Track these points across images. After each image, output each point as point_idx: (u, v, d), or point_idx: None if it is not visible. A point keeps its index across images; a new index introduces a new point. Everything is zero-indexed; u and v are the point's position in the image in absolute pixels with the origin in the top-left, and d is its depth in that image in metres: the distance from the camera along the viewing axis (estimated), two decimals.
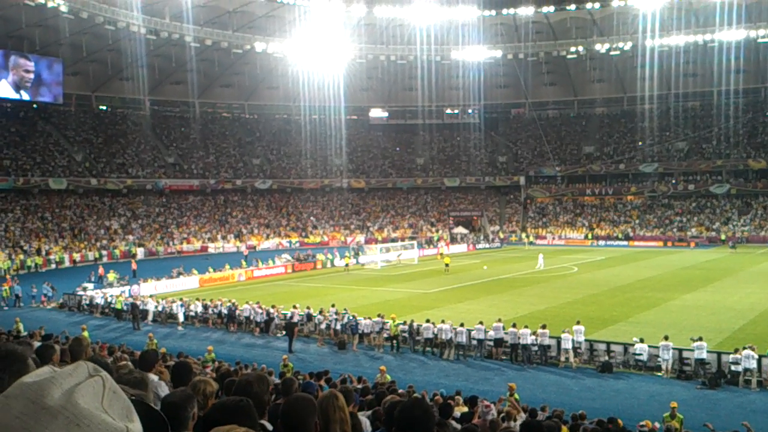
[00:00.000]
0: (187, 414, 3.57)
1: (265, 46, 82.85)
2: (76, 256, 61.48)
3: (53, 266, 58.38)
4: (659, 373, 23.10)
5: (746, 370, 21.41)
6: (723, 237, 73.10)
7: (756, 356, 21.36)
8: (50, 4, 63.02)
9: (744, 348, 21.77)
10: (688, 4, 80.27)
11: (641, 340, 24.01)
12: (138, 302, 35.71)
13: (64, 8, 64.31)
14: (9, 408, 1.15)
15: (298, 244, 75.82)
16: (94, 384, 1.23)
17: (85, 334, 24.13)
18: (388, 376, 19.77)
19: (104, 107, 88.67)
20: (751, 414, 18.69)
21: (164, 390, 6.19)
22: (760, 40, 80.00)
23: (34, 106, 77.30)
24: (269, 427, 4.05)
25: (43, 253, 59.95)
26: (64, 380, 1.20)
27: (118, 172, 76.28)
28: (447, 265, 53.98)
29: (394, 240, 75.72)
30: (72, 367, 1.26)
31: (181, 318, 34.30)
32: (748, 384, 21.37)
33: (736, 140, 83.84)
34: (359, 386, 15.30)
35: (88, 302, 39.46)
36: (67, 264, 59.99)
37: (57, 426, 1.12)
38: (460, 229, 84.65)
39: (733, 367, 21.67)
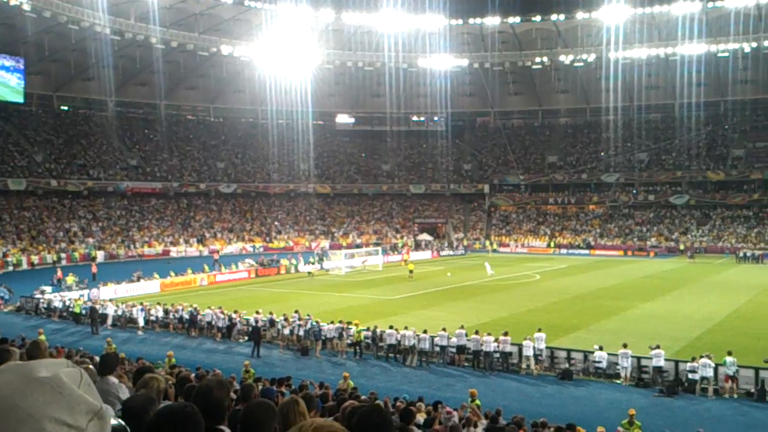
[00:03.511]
0: (149, 417, 3.55)
1: (231, 50, 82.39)
2: (35, 259, 60.29)
3: (10, 268, 57.18)
4: (618, 381, 23.40)
5: (703, 378, 21.77)
6: (682, 247, 74.35)
7: (713, 365, 21.74)
8: (12, 2, 61.96)
9: (701, 357, 22.14)
10: (650, 18, 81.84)
11: (601, 348, 24.28)
12: (97, 306, 35.14)
13: (26, 6, 63.26)
14: (1, 377, 1.29)
15: (262, 249, 75.34)
16: (74, 372, 1.37)
17: (42, 338, 23.67)
18: (351, 383, 19.72)
19: (66, 107, 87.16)
20: (707, 421, 19.03)
21: (125, 393, 6.12)
22: (720, 55, 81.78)
23: None
24: None
25: (0, 255, 58.71)
26: (49, 363, 1.36)
27: (78, 174, 74.99)
28: (411, 271, 54.09)
29: (358, 246, 75.64)
30: (53, 359, 1.43)
31: (141, 322, 33.85)
32: (704, 392, 21.73)
33: (696, 152, 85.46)
34: (320, 392, 15.25)
35: (45, 305, 38.74)
36: (24, 266, 58.82)
37: (43, 392, 1.26)
38: (425, 236, 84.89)
39: (690, 375, 22.01)
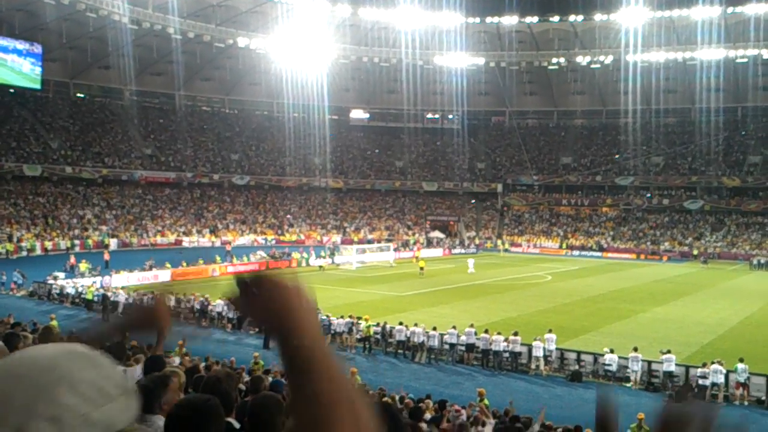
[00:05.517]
0: (158, 397, 3.54)
1: (248, 42, 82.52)
2: (48, 245, 60.70)
3: (24, 253, 57.55)
4: (628, 384, 23.27)
5: (714, 384, 21.63)
6: (695, 252, 73.86)
7: (723, 371, 21.60)
8: None
9: (712, 362, 22.00)
10: (669, 22, 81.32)
11: (611, 351, 24.16)
12: (109, 293, 35.29)
13: None
14: (44, 347, 1.36)
15: (273, 242, 75.47)
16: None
17: (54, 323, 23.80)
18: (358, 377, 19.71)
19: (82, 95, 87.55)
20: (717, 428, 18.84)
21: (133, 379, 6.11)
22: (738, 60, 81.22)
23: (11, 90, 76.18)
24: (236, 424, 4.00)
25: (15, 239, 59.11)
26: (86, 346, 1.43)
27: (93, 161, 75.39)
28: (422, 268, 54.01)
29: (370, 241, 75.63)
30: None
31: None
32: (714, 398, 21.57)
33: (712, 157, 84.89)
34: None
35: (58, 291, 38.97)
36: (38, 252, 59.17)
37: (82, 360, 1.33)
38: (437, 234, 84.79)
39: (700, 381, 21.84)
